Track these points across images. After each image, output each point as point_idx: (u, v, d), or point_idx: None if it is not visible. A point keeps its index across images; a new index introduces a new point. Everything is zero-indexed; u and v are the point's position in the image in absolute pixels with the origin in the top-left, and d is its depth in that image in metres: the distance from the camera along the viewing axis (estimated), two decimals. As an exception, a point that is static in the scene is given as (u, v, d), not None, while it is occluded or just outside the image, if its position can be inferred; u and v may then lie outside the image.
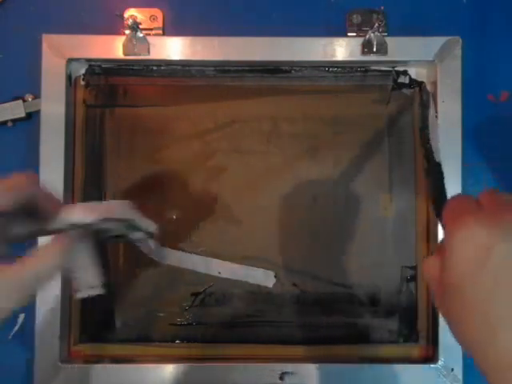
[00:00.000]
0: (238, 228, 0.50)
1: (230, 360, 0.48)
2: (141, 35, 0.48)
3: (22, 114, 0.49)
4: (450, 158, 0.47)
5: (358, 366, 0.47)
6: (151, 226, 0.37)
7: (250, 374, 0.47)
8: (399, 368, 0.47)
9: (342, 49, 0.48)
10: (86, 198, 0.50)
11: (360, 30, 0.50)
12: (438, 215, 0.40)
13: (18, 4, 0.51)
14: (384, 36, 0.48)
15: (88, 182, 0.50)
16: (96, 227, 0.33)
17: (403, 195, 0.50)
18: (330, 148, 0.50)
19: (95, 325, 0.49)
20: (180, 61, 0.49)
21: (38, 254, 0.30)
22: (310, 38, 0.49)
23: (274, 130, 0.50)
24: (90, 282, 0.33)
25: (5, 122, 0.50)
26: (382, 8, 0.49)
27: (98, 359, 0.48)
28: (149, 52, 0.48)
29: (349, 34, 0.50)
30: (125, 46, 0.48)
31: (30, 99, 0.50)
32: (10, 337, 0.50)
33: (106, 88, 0.51)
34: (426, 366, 0.47)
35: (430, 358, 0.48)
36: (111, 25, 0.50)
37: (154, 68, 0.50)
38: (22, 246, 0.36)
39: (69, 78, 0.49)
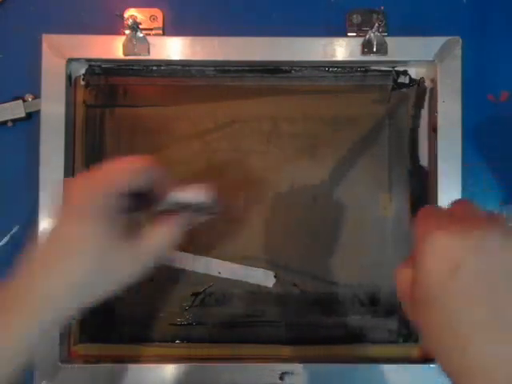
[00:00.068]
0: (237, 228, 0.50)
1: (230, 360, 0.48)
2: (141, 35, 0.48)
3: (22, 114, 0.49)
4: (450, 157, 0.47)
5: (357, 366, 0.47)
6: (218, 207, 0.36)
7: (250, 374, 0.47)
8: (399, 368, 0.47)
9: (342, 49, 0.48)
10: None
11: (360, 30, 0.50)
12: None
13: (18, 4, 0.51)
14: (384, 36, 0.48)
15: (88, 182, 0.50)
16: (194, 208, 0.34)
17: (403, 195, 0.50)
18: (330, 148, 0.50)
19: (95, 325, 0.49)
20: (180, 61, 0.49)
21: (155, 231, 0.32)
22: (309, 38, 0.49)
23: (274, 129, 0.50)
24: None
25: (5, 122, 0.50)
26: (382, 8, 0.49)
27: (98, 359, 0.48)
28: (149, 52, 0.48)
29: (349, 34, 0.50)
30: (125, 46, 0.48)
31: (30, 99, 0.50)
32: (10, 337, 0.50)
33: (106, 88, 0.51)
34: (425, 366, 0.47)
35: (430, 358, 0.48)
36: (111, 25, 0.50)
37: (154, 68, 0.50)
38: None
39: (69, 77, 0.49)
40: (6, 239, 0.50)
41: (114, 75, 0.50)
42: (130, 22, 0.47)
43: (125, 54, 0.48)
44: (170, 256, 0.48)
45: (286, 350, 0.49)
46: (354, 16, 0.50)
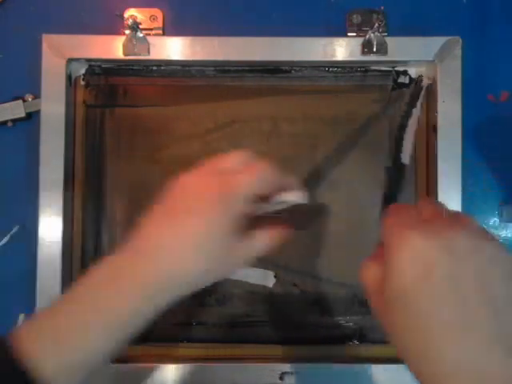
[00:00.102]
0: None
1: (230, 360, 0.48)
2: (141, 35, 0.48)
3: (22, 114, 0.49)
4: (450, 157, 0.47)
5: (357, 366, 0.47)
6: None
7: (250, 374, 0.47)
8: (399, 368, 0.47)
9: (342, 49, 0.48)
10: (86, 197, 0.50)
11: (360, 30, 0.50)
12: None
13: (18, 4, 0.51)
14: (384, 36, 0.48)
15: (88, 182, 0.50)
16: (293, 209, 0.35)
17: (404, 195, 0.50)
18: (330, 148, 0.50)
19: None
20: (180, 61, 0.49)
21: (259, 232, 0.33)
22: (310, 38, 0.49)
23: (273, 129, 0.50)
24: None
25: (5, 122, 0.50)
26: (382, 8, 0.49)
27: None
28: (149, 52, 0.48)
29: (349, 34, 0.50)
30: (125, 46, 0.48)
31: (30, 99, 0.50)
32: (10, 337, 0.50)
33: (106, 88, 0.51)
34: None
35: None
36: (111, 25, 0.50)
37: (154, 68, 0.50)
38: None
39: (69, 77, 0.49)
40: (5, 239, 0.50)
41: (114, 75, 0.50)
42: (129, 22, 0.47)
43: (125, 54, 0.48)
44: None
45: (286, 350, 0.49)
46: (354, 16, 0.50)
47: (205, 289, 0.33)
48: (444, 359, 0.24)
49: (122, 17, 0.50)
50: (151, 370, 0.47)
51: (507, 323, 0.24)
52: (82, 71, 0.50)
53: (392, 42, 0.48)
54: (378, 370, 0.47)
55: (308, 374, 0.47)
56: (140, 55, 0.48)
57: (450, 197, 0.47)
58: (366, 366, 0.47)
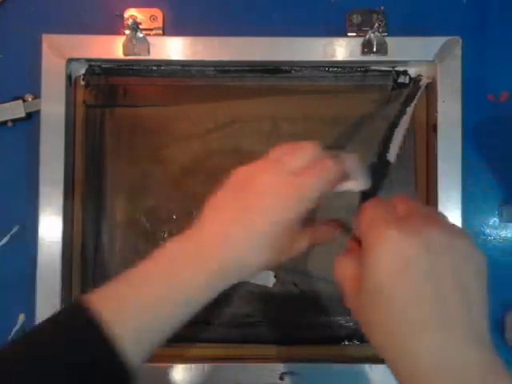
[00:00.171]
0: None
1: (230, 360, 0.48)
2: (141, 35, 0.48)
3: (22, 114, 0.49)
4: (450, 157, 0.47)
5: (357, 366, 0.47)
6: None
7: (250, 373, 0.47)
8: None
9: (342, 49, 0.48)
10: (86, 197, 0.50)
11: (360, 30, 0.50)
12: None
13: (18, 4, 0.51)
14: (384, 36, 0.48)
15: (88, 182, 0.50)
16: None
17: (404, 194, 0.50)
18: (330, 148, 0.50)
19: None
20: (180, 61, 0.49)
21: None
22: (310, 38, 0.49)
23: (273, 129, 0.50)
24: None
25: (5, 122, 0.50)
26: (382, 8, 0.49)
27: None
28: (149, 52, 0.48)
29: (349, 34, 0.50)
30: (125, 46, 0.48)
31: (30, 99, 0.50)
32: (10, 337, 0.50)
33: (106, 88, 0.51)
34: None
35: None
36: (111, 25, 0.50)
37: (154, 68, 0.50)
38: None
39: (69, 77, 0.49)
40: (6, 239, 0.50)
41: (114, 75, 0.50)
42: (130, 22, 0.47)
43: (125, 54, 0.48)
44: None
45: (286, 350, 0.49)
46: (354, 16, 0.50)
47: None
48: (423, 358, 0.24)
49: (122, 17, 0.50)
50: (151, 370, 0.47)
51: (479, 320, 0.24)
52: (82, 71, 0.50)
53: (392, 42, 0.48)
54: (378, 370, 0.47)
55: (308, 373, 0.47)
56: (140, 55, 0.48)
57: (450, 197, 0.47)
58: (366, 366, 0.47)
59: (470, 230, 0.50)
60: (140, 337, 0.29)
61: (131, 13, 0.50)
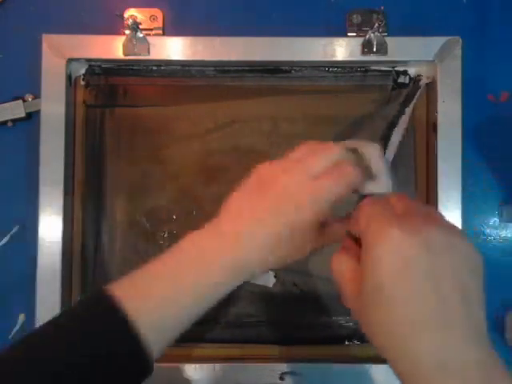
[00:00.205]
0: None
1: (230, 360, 0.48)
2: (141, 35, 0.48)
3: (22, 114, 0.49)
4: (450, 157, 0.47)
5: (357, 365, 0.47)
6: None
7: (250, 373, 0.47)
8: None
9: (342, 49, 0.48)
10: (86, 197, 0.50)
11: (360, 30, 0.50)
12: None
13: (18, 4, 0.51)
14: (384, 36, 0.48)
15: (88, 182, 0.50)
16: None
17: (405, 194, 0.50)
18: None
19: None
20: (180, 61, 0.49)
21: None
22: (310, 38, 0.49)
23: (273, 129, 0.50)
24: None
25: (5, 122, 0.50)
26: (382, 8, 0.49)
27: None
28: (149, 52, 0.48)
29: (349, 34, 0.50)
30: (125, 46, 0.48)
31: (30, 99, 0.50)
32: (10, 337, 0.50)
33: (106, 88, 0.51)
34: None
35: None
36: (111, 25, 0.50)
37: (154, 68, 0.50)
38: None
39: (69, 77, 0.49)
40: (5, 239, 0.50)
41: (114, 75, 0.50)
42: (130, 22, 0.47)
43: (125, 54, 0.48)
44: None
45: (286, 350, 0.49)
46: (354, 16, 0.50)
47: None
48: (423, 358, 0.24)
49: (122, 17, 0.50)
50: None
51: (479, 320, 0.24)
52: (82, 71, 0.50)
53: (392, 42, 0.48)
54: (377, 370, 0.47)
55: (308, 373, 0.47)
56: (140, 55, 0.48)
57: (450, 197, 0.47)
58: (366, 365, 0.47)
59: (469, 230, 0.50)
60: (160, 327, 0.30)
61: (131, 13, 0.50)
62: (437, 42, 0.48)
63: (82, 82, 0.50)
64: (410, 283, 0.25)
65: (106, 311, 0.29)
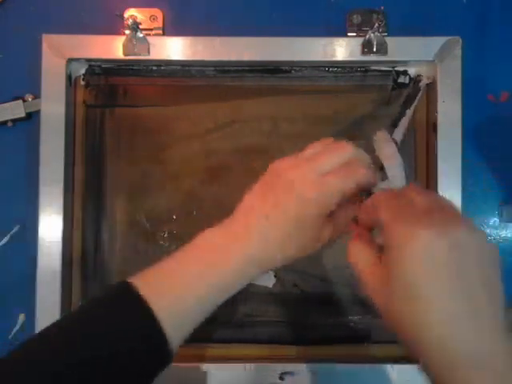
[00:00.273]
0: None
1: (230, 360, 0.48)
2: (141, 35, 0.48)
3: (22, 114, 0.49)
4: (450, 157, 0.47)
5: (358, 365, 0.47)
6: None
7: (250, 373, 0.47)
8: (399, 368, 0.47)
9: (342, 49, 0.48)
10: (86, 197, 0.50)
11: (360, 30, 0.50)
12: None
13: (18, 4, 0.51)
14: (384, 36, 0.48)
15: (88, 182, 0.50)
16: None
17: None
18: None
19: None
20: (180, 61, 0.49)
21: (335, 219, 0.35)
22: (310, 38, 0.49)
23: (273, 129, 0.50)
24: None
25: (5, 122, 0.50)
26: (382, 8, 0.49)
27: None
28: (149, 52, 0.48)
29: (349, 34, 0.50)
30: (125, 46, 0.48)
31: (30, 99, 0.50)
32: (10, 337, 0.50)
33: (106, 88, 0.51)
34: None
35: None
36: (111, 25, 0.50)
37: (154, 68, 0.50)
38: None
39: (69, 78, 0.49)
40: (6, 239, 0.50)
41: (114, 75, 0.50)
42: (130, 22, 0.47)
43: (125, 54, 0.48)
44: None
45: (286, 350, 0.49)
46: (354, 16, 0.50)
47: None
48: (460, 347, 0.25)
49: (122, 17, 0.50)
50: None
51: (500, 312, 0.26)
52: (82, 71, 0.50)
53: (392, 42, 0.48)
54: (378, 370, 0.47)
55: (308, 374, 0.47)
56: (140, 55, 0.48)
57: (450, 197, 0.47)
58: (366, 366, 0.47)
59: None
60: (177, 322, 0.32)
61: (131, 13, 0.50)
62: (437, 42, 0.48)
63: (82, 82, 0.50)
64: (443, 282, 0.26)
65: (130, 304, 0.31)
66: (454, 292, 0.25)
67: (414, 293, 0.26)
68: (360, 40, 0.48)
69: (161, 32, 0.50)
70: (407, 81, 0.50)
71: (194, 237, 0.34)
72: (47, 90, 0.48)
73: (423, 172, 0.50)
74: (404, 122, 0.50)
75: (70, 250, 0.49)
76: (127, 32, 0.48)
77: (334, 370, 0.47)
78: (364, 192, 0.34)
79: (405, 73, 0.50)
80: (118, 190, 0.50)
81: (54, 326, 0.31)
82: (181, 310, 0.32)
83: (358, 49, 0.48)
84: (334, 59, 0.49)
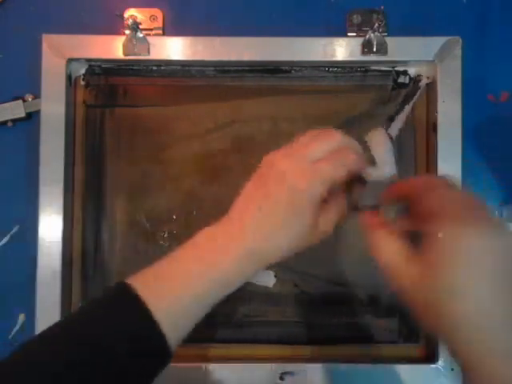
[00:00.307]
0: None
1: (230, 360, 0.48)
2: (141, 35, 0.48)
3: (22, 114, 0.49)
4: (450, 157, 0.47)
5: (358, 366, 0.47)
6: None
7: (250, 374, 0.47)
8: (399, 368, 0.47)
9: (342, 49, 0.48)
10: (86, 197, 0.50)
11: (360, 30, 0.50)
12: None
13: (18, 4, 0.51)
14: (384, 36, 0.48)
15: (88, 182, 0.50)
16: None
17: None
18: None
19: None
20: (180, 61, 0.49)
21: (332, 205, 0.35)
22: (310, 38, 0.49)
23: (273, 129, 0.50)
24: None
25: (5, 122, 0.50)
26: (382, 8, 0.49)
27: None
28: (149, 52, 0.48)
29: (349, 34, 0.50)
30: (125, 46, 0.48)
31: (30, 99, 0.50)
32: (10, 337, 0.50)
33: (106, 88, 0.51)
34: (425, 366, 0.47)
35: (430, 358, 0.48)
36: (111, 25, 0.50)
37: (154, 68, 0.50)
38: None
39: (69, 78, 0.49)
40: (6, 239, 0.50)
41: (114, 75, 0.50)
42: (130, 22, 0.47)
43: (125, 54, 0.48)
44: None
45: (286, 350, 0.49)
46: (354, 16, 0.50)
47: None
48: (496, 344, 0.26)
49: (122, 17, 0.50)
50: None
51: None
52: (82, 71, 0.50)
53: (392, 42, 0.48)
54: (378, 370, 0.47)
55: (308, 373, 0.47)
56: (140, 55, 0.48)
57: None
58: (366, 366, 0.47)
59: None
60: (176, 319, 0.32)
61: (131, 13, 0.50)
62: (437, 42, 0.48)
63: (82, 82, 0.50)
64: (492, 284, 0.27)
65: (128, 305, 0.31)
66: (502, 294, 0.26)
67: (465, 294, 0.27)
68: (360, 40, 0.48)
69: (161, 32, 0.50)
70: (407, 81, 0.50)
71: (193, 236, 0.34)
72: (47, 90, 0.48)
73: (423, 172, 0.50)
74: (401, 118, 0.50)
75: (70, 250, 0.49)
76: (127, 32, 0.48)
77: (335, 370, 0.47)
78: (355, 179, 0.34)
79: (405, 73, 0.50)
80: (118, 190, 0.50)
81: (54, 327, 0.31)
82: (179, 310, 0.32)
83: (358, 49, 0.48)
84: (334, 59, 0.49)
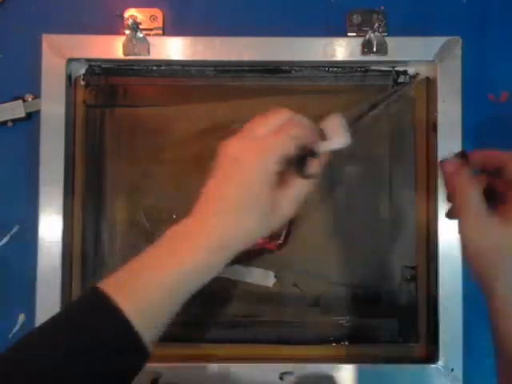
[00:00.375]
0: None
1: (230, 360, 0.48)
2: (141, 35, 0.48)
3: (22, 114, 0.49)
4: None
5: (358, 366, 0.47)
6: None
7: (250, 374, 0.47)
8: (399, 368, 0.47)
9: (342, 49, 0.48)
10: (86, 197, 0.50)
11: (360, 30, 0.50)
12: None
13: (18, 4, 0.51)
14: (384, 36, 0.48)
15: (88, 182, 0.50)
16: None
17: (403, 195, 0.50)
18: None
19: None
20: (180, 61, 0.49)
21: (297, 180, 0.35)
22: (310, 38, 0.49)
23: (273, 129, 0.50)
24: None
25: (5, 122, 0.50)
26: (382, 8, 0.49)
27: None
28: (149, 52, 0.48)
29: (349, 34, 0.50)
30: (125, 46, 0.48)
31: (30, 99, 0.50)
32: (10, 337, 0.50)
33: (106, 88, 0.51)
34: (426, 366, 0.47)
35: (430, 357, 0.48)
36: (111, 25, 0.50)
37: (154, 68, 0.50)
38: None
39: (69, 78, 0.49)
40: (6, 239, 0.50)
41: (114, 75, 0.50)
42: (130, 22, 0.47)
43: (125, 54, 0.48)
44: None
45: (286, 350, 0.49)
46: (354, 16, 0.50)
47: (204, 288, 0.33)
48: None
49: (122, 17, 0.50)
50: (150, 370, 0.47)
51: None
52: (82, 71, 0.50)
53: (392, 42, 0.48)
54: (378, 370, 0.47)
55: (308, 374, 0.47)
56: (140, 55, 0.48)
57: (450, 197, 0.47)
58: (366, 365, 0.47)
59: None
60: (149, 310, 0.32)
61: (131, 13, 0.50)
62: (437, 42, 0.48)
63: (82, 82, 0.50)
64: None
65: (99, 306, 0.31)
66: None
67: None
68: (360, 40, 0.48)
69: (161, 32, 0.50)
70: (407, 81, 0.50)
71: None
72: (47, 90, 0.48)
73: (423, 172, 0.50)
74: (372, 114, 0.49)
75: (70, 250, 0.49)
76: (127, 32, 0.48)
77: (335, 370, 0.47)
78: (308, 154, 0.34)
79: (405, 73, 0.50)
80: (117, 190, 0.50)
81: (31, 334, 0.32)
82: (151, 306, 0.32)
83: (358, 49, 0.48)
84: (334, 59, 0.49)
